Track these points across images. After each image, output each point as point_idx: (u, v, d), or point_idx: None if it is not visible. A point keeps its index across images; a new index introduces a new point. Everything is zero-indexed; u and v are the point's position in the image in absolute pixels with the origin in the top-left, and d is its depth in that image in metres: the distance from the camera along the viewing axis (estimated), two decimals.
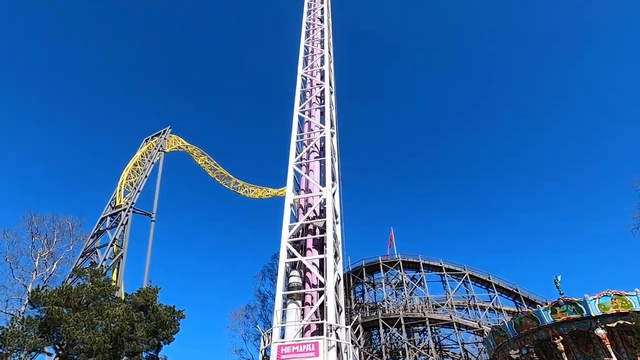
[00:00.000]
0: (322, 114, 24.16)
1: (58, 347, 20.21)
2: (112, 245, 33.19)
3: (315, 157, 21.87)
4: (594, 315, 19.53)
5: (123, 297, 25.06)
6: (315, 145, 22.47)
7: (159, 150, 43.59)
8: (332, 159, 21.02)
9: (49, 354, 22.63)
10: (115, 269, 32.62)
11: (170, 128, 46.87)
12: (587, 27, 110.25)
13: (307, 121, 23.96)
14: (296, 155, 21.27)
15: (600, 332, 19.25)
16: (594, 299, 19.99)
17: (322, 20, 31.77)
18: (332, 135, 22.63)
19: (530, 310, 22.80)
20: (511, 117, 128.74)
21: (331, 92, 25.47)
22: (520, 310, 29.50)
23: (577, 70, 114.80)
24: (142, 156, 42.24)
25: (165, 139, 45.36)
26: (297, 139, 22.56)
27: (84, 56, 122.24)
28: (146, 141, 45.87)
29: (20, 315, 21.69)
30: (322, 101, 24.55)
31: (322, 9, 32.81)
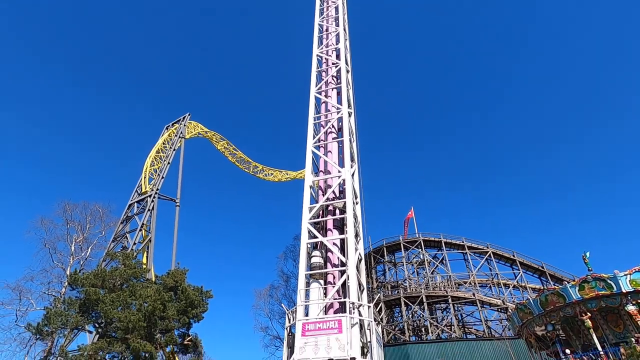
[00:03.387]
0: (339, 93, 23.80)
1: (97, 326, 21.57)
2: (140, 230, 34.57)
3: (333, 138, 21.73)
4: (624, 291, 18.94)
5: (153, 279, 26.28)
6: (333, 126, 22.26)
7: (179, 137, 44.44)
8: (350, 139, 20.83)
9: (90, 332, 24.17)
10: (145, 253, 34.06)
11: (189, 115, 47.52)
12: None
13: (324, 102, 23.68)
14: (314, 137, 21.18)
15: (631, 308, 18.69)
16: (625, 274, 19.34)
17: None
18: (349, 115, 22.33)
19: (556, 287, 22.35)
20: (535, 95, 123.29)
21: (347, 71, 24.97)
22: (545, 287, 29.09)
23: None
24: (163, 143, 43.21)
25: (185, 125, 46.10)
26: (315, 120, 22.41)
27: (104, 48, 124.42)
28: (167, 128, 46.82)
29: (61, 297, 23.18)
30: (339, 81, 24.13)
31: None
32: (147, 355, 20.14)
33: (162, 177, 39.86)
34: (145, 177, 39.28)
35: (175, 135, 44.46)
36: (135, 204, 38.10)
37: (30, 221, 55.18)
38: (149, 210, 36.19)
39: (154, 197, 37.34)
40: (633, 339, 17.27)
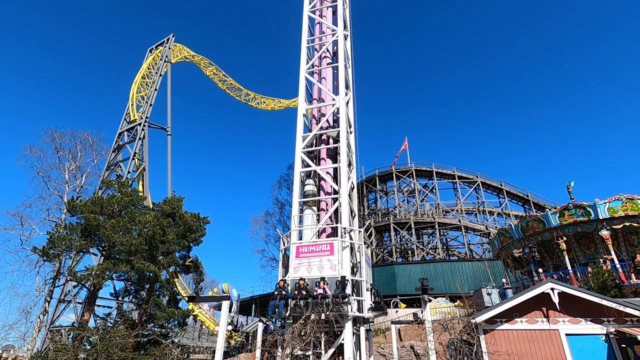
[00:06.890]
0: (335, 13, 22.01)
1: (101, 249, 22.62)
2: (133, 158, 34.41)
3: (327, 64, 20.62)
4: (601, 218, 20.07)
5: (151, 206, 26.92)
6: (328, 50, 20.98)
7: (165, 62, 41.94)
8: (345, 64, 19.80)
9: (95, 254, 25.42)
10: (140, 181, 34.40)
11: (173, 36, 44.23)
12: None
13: (318, 22, 21.98)
14: (307, 62, 20.08)
15: (604, 233, 19.99)
16: (605, 202, 20.30)
17: None
18: (345, 38, 20.92)
19: (538, 214, 23.54)
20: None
21: None
22: (528, 214, 30.67)
23: None
24: (148, 68, 40.90)
25: (169, 48, 43.20)
26: (308, 43, 21.03)
27: None
28: (150, 51, 43.96)
29: (61, 222, 23.88)
30: None
31: None
32: (151, 274, 21.52)
33: (150, 105, 38.52)
34: (132, 105, 37.91)
35: (160, 59, 41.90)
36: (125, 132, 37.34)
37: (20, 149, 54.50)
38: (139, 139, 35.63)
39: (144, 125, 36.50)
40: (601, 260, 18.74)
